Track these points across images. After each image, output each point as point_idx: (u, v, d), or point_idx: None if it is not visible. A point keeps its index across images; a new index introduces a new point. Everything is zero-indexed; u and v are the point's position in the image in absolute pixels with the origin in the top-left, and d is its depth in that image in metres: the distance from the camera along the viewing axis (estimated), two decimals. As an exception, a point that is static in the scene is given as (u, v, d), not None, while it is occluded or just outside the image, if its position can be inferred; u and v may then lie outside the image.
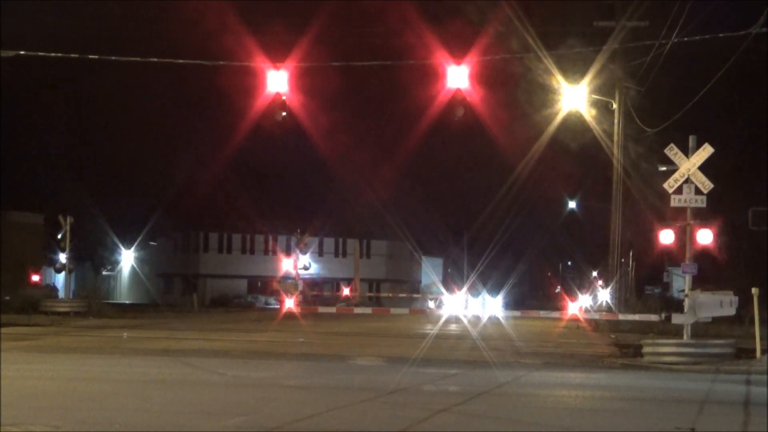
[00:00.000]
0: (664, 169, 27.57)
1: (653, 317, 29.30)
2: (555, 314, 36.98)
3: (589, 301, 67.05)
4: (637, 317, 32.68)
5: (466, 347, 29.74)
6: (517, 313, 43.52)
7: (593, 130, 43.18)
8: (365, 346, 30.18)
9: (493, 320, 45.39)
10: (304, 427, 13.50)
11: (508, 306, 72.80)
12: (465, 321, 45.43)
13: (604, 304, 63.93)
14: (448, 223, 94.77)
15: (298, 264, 59.87)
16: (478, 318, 46.12)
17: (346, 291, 66.54)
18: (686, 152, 26.24)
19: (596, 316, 40.58)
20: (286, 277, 60.35)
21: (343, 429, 13.55)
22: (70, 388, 17.44)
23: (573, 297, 63.81)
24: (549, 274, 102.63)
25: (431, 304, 64.60)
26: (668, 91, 43.11)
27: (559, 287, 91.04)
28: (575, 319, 35.97)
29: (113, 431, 12.88)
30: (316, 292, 73.95)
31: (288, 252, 66.79)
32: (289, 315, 36.99)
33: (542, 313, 33.25)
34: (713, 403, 17.52)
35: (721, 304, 25.93)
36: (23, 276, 58.59)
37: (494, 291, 69.38)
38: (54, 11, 53.02)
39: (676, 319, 26.60)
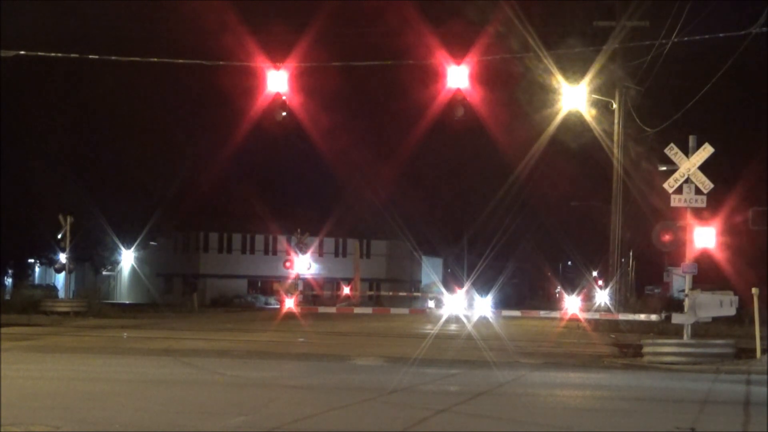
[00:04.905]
0: (664, 168, 27.54)
1: (653, 317, 29.30)
2: (554, 314, 36.98)
3: (579, 303, 66.68)
4: (636, 317, 32.63)
5: (465, 347, 29.73)
6: (517, 313, 43.39)
7: (593, 130, 43.16)
8: (365, 346, 30.17)
9: (483, 321, 45.28)
10: (304, 427, 13.50)
11: (503, 306, 72.60)
12: (465, 321, 45.40)
13: (602, 305, 63.83)
14: (448, 223, 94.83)
15: (299, 264, 59.88)
16: (466, 318, 46.02)
17: (346, 290, 66.54)
18: (686, 152, 26.23)
19: (596, 316, 40.60)
20: (287, 278, 60.35)
21: (343, 429, 13.55)
22: (70, 388, 17.44)
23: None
24: (549, 274, 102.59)
25: (431, 304, 64.56)
26: (668, 91, 43.11)
27: (559, 287, 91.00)
28: (575, 319, 35.90)
29: (113, 431, 12.88)
30: (315, 292, 74.02)
31: (288, 252, 66.77)
32: (290, 315, 37.06)
33: (542, 313, 33.25)
34: (713, 403, 17.52)
35: (721, 304, 25.91)
36: None
37: (486, 290, 69.17)
38: (54, 11, 52.99)
39: (676, 318, 26.59)
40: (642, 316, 30.77)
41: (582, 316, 32.67)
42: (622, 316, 33.92)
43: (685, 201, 26.25)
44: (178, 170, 69.20)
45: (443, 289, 71.12)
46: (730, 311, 26.04)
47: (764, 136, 46.14)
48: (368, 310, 55.83)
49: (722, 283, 33.08)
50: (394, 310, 49.82)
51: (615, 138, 43.14)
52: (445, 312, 49.59)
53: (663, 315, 28.32)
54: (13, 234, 60.12)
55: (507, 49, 37.24)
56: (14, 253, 65.14)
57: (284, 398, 16.51)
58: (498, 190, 66.00)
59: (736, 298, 26.01)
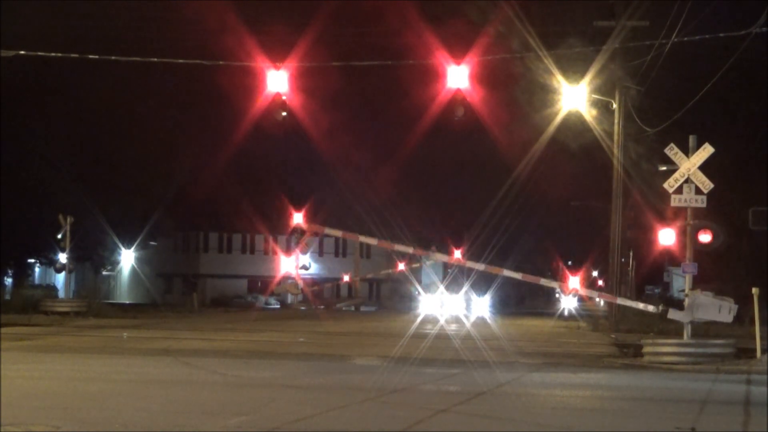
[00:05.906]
0: (664, 168, 27.55)
1: (650, 307, 29.28)
2: (554, 283, 36.99)
3: (573, 304, 66.66)
4: (635, 304, 32.58)
5: (465, 347, 29.73)
6: (518, 276, 43.23)
7: (593, 130, 43.16)
8: (365, 346, 30.18)
9: (479, 321, 45.21)
10: (304, 427, 13.50)
11: (500, 306, 72.53)
12: (465, 321, 45.41)
13: (602, 304, 63.72)
14: (448, 222, 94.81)
15: (299, 264, 59.86)
16: (457, 319, 45.89)
17: (346, 278, 66.59)
18: (686, 152, 26.23)
19: (594, 295, 40.62)
20: (287, 278, 60.27)
21: (343, 429, 13.55)
22: (70, 388, 17.43)
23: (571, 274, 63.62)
24: (549, 274, 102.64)
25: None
26: (668, 91, 43.09)
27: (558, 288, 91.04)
28: (574, 319, 35.94)
29: (113, 431, 12.88)
30: (316, 288, 74.15)
31: (288, 252, 66.79)
32: (289, 315, 37.22)
33: (543, 281, 33.34)
34: (713, 403, 17.52)
35: (720, 308, 25.82)
36: None
37: (485, 291, 68.99)
38: (54, 11, 52.95)
39: (673, 314, 26.58)
40: (640, 305, 30.76)
41: (580, 292, 32.53)
42: (620, 300, 33.92)
43: (685, 201, 26.25)
44: (178, 170, 69.23)
45: (444, 290, 70.66)
46: (728, 318, 25.93)
47: (764, 136, 46.14)
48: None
49: (722, 282, 33.09)
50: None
51: (615, 138, 43.13)
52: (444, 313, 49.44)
53: (660, 307, 28.32)
54: (13, 234, 60.10)
55: (507, 49, 37.27)
56: (14, 253, 65.12)
57: (284, 398, 16.51)
58: (498, 190, 66.02)
59: (735, 306, 25.87)
